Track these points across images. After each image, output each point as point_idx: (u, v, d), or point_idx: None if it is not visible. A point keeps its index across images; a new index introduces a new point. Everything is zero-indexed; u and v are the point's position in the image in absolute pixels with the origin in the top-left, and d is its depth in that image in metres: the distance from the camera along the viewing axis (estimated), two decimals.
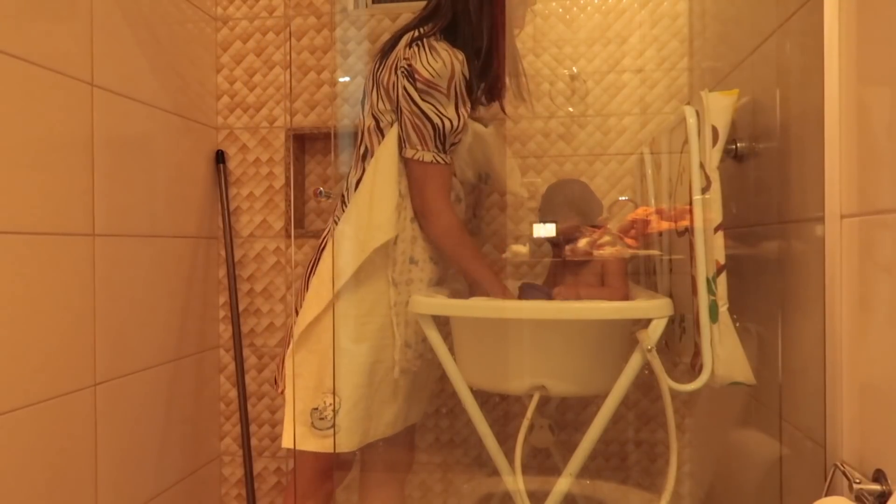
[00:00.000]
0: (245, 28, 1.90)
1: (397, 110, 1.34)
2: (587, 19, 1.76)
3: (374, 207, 1.35)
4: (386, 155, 1.35)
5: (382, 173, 1.36)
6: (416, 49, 1.31)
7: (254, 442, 1.91)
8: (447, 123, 1.31)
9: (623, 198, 1.73)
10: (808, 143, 0.98)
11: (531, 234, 1.55)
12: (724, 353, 1.11)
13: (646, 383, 1.71)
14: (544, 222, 1.45)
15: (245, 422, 1.86)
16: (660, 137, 1.50)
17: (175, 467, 1.71)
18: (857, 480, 0.79)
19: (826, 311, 0.90)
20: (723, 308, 1.11)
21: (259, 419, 1.92)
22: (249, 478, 1.87)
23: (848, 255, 0.87)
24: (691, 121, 1.15)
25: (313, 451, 1.35)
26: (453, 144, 1.35)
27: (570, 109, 1.76)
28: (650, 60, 1.74)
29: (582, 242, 1.37)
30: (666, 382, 1.14)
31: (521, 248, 1.48)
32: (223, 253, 1.90)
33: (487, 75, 1.37)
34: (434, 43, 1.32)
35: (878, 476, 0.77)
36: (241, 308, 1.90)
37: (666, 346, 1.39)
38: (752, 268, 1.24)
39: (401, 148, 1.35)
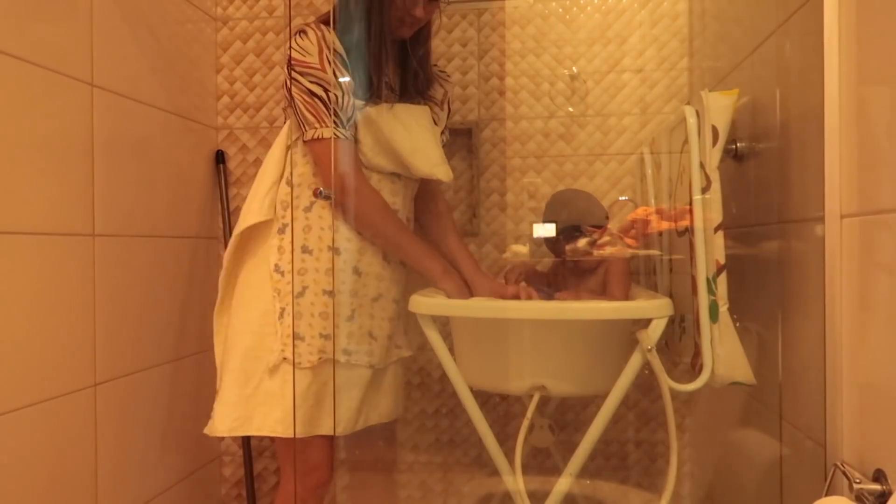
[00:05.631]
0: (245, 28, 1.90)
1: (291, 102, 1.29)
2: (587, 19, 1.76)
3: (251, 197, 1.35)
4: (273, 148, 1.36)
5: (265, 165, 1.37)
6: (292, 41, 1.28)
7: (254, 442, 1.90)
8: (331, 96, 1.26)
9: (623, 198, 1.73)
10: (808, 143, 0.98)
11: (531, 234, 1.55)
12: (724, 353, 1.11)
13: (646, 383, 1.71)
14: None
15: None
16: (660, 137, 1.50)
17: (175, 467, 1.71)
18: (858, 480, 0.79)
19: (826, 311, 0.90)
20: (723, 308, 1.11)
21: None
22: (249, 478, 1.87)
23: (848, 255, 0.87)
24: (691, 121, 1.15)
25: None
26: (349, 119, 1.29)
27: (570, 109, 1.76)
28: (650, 60, 1.74)
29: (582, 242, 1.37)
30: (666, 382, 1.14)
31: (521, 248, 1.48)
32: (223, 253, 1.90)
33: (367, 68, 1.31)
34: (304, 27, 1.28)
35: (878, 476, 0.77)
36: None
37: (666, 346, 1.39)
38: (752, 268, 1.24)
39: (301, 136, 1.30)
